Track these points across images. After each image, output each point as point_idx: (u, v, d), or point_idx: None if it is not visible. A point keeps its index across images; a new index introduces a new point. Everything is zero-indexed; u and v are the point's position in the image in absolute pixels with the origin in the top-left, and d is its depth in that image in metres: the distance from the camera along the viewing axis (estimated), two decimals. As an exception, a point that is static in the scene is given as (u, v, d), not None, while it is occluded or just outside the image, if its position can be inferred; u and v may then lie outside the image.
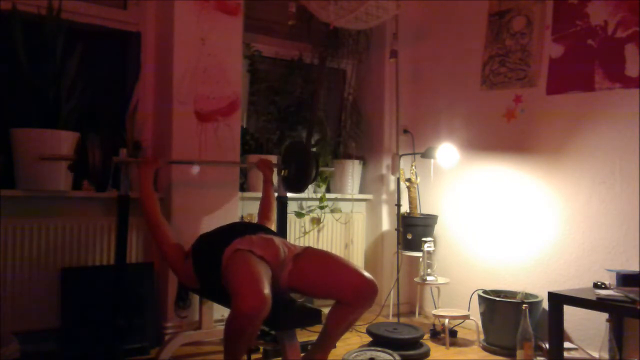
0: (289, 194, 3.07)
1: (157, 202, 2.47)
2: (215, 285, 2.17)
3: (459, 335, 3.18)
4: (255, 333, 2.03)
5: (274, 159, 3.35)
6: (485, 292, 3.07)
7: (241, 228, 2.34)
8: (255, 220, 3.23)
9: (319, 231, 3.56)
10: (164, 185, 2.97)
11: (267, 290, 1.84)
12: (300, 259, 2.23)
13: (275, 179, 2.96)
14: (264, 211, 2.79)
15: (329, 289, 2.16)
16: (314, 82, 3.67)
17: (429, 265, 3.37)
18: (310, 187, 3.56)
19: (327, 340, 2.27)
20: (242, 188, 3.31)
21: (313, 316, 2.18)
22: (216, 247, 2.18)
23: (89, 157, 2.28)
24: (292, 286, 2.22)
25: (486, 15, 3.46)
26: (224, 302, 2.19)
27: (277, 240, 2.26)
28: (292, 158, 2.95)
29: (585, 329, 2.84)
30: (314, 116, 3.63)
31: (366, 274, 2.13)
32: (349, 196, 3.73)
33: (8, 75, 2.62)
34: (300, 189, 2.97)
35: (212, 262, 2.15)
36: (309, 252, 2.30)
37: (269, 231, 2.39)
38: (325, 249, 3.59)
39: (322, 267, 2.21)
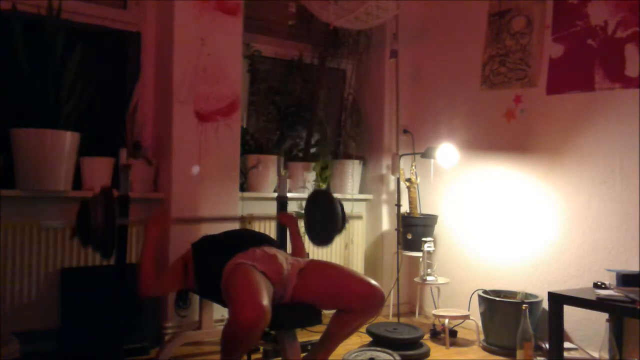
0: (289, 194, 3.07)
1: (155, 264, 2.23)
2: (214, 293, 2.17)
3: (459, 335, 3.18)
4: (252, 344, 1.99)
5: (273, 159, 3.35)
6: (485, 292, 3.07)
7: (245, 239, 2.31)
8: (254, 220, 3.25)
9: (319, 231, 3.55)
10: (164, 185, 2.97)
11: (266, 301, 1.81)
12: (304, 273, 2.22)
13: (277, 178, 2.86)
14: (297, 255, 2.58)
15: (337, 300, 2.16)
16: (314, 82, 3.67)
17: (429, 265, 3.37)
18: (310, 187, 3.57)
19: (330, 343, 2.27)
20: (242, 188, 3.31)
21: (313, 316, 2.18)
22: (218, 260, 2.16)
23: (90, 221, 2.08)
24: (298, 301, 2.19)
25: (486, 15, 3.46)
26: (224, 304, 2.19)
27: (281, 256, 2.23)
28: (315, 208, 2.68)
29: (585, 329, 2.84)
30: (314, 116, 3.63)
31: (373, 282, 2.13)
32: (349, 196, 3.72)
33: (8, 75, 2.62)
34: (327, 241, 2.64)
35: (212, 275, 2.15)
36: (312, 265, 2.29)
37: (274, 243, 2.37)
38: (325, 249, 3.58)
39: (327, 279, 2.20)
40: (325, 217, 2.59)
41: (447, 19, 3.73)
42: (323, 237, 2.64)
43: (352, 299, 2.11)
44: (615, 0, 2.84)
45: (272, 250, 2.24)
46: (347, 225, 2.68)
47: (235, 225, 3.05)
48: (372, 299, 2.10)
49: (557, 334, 2.50)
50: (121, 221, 2.28)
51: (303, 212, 2.77)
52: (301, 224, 2.70)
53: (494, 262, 3.32)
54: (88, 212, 2.10)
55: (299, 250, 2.61)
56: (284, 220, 2.73)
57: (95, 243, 2.14)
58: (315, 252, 3.53)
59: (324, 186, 3.65)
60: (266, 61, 3.62)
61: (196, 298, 2.77)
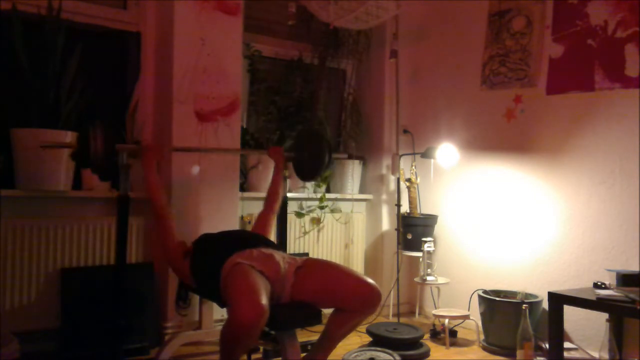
0: (289, 194, 3.08)
1: (164, 192, 2.48)
2: (213, 293, 2.18)
3: (459, 335, 3.18)
4: (251, 343, 2.01)
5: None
6: (485, 292, 3.07)
7: (243, 239, 2.32)
8: (254, 220, 3.25)
9: (319, 231, 3.56)
10: (164, 184, 2.96)
11: (264, 301, 1.82)
12: (302, 272, 2.22)
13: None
14: (270, 202, 2.74)
15: (334, 299, 2.16)
16: (314, 82, 3.67)
17: (429, 265, 3.37)
18: (310, 187, 3.57)
19: (328, 342, 2.27)
20: (242, 188, 3.31)
21: (313, 316, 2.18)
22: (216, 260, 2.17)
23: (90, 145, 2.21)
24: (296, 299, 2.20)
25: (486, 15, 3.46)
26: (222, 304, 2.19)
27: (278, 255, 2.24)
28: (305, 144, 2.88)
29: (585, 329, 2.84)
30: (314, 116, 3.63)
31: (370, 281, 2.13)
32: (349, 196, 3.72)
33: (8, 75, 2.62)
34: (313, 175, 2.90)
35: (211, 274, 2.15)
36: (310, 263, 2.29)
37: (271, 244, 2.38)
38: (325, 249, 3.59)
39: (325, 277, 2.20)
40: (313, 153, 2.80)
41: (447, 18, 3.73)
42: (310, 170, 2.85)
43: (349, 297, 2.11)
44: (615, 0, 2.84)
45: (269, 250, 2.26)
46: (332, 162, 2.92)
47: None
48: (369, 298, 2.11)
49: (557, 334, 2.50)
50: (120, 146, 2.36)
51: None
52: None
53: (494, 262, 3.32)
54: (87, 135, 2.21)
55: (275, 187, 2.76)
56: (272, 154, 2.85)
57: (95, 166, 2.26)
58: (314, 252, 3.53)
59: (323, 186, 3.64)
60: (266, 61, 3.62)
61: (196, 298, 2.77)
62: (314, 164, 2.82)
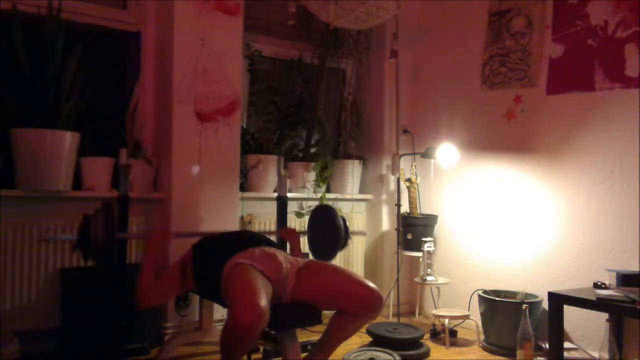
0: (289, 194, 3.08)
1: (154, 284, 2.28)
2: (214, 294, 2.17)
3: (459, 335, 3.18)
4: (251, 344, 2.00)
5: (273, 159, 3.35)
6: (485, 292, 3.07)
7: (244, 239, 2.32)
8: (254, 220, 3.25)
9: (319, 231, 3.55)
10: (164, 185, 2.97)
11: (264, 302, 1.82)
12: (303, 273, 2.22)
13: (277, 178, 2.86)
14: None
15: (335, 302, 2.16)
16: (314, 82, 3.67)
17: (429, 265, 3.37)
18: (310, 187, 3.57)
19: (329, 344, 2.27)
20: (242, 188, 3.31)
21: (313, 316, 2.18)
22: (217, 261, 2.17)
23: (91, 236, 2.10)
24: (297, 300, 2.20)
25: (486, 15, 3.46)
26: (224, 304, 2.19)
27: (280, 255, 2.23)
28: (318, 223, 2.72)
29: (585, 329, 2.84)
30: (314, 116, 3.63)
31: (371, 284, 2.13)
32: (349, 196, 3.72)
33: (8, 75, 2.62)
34: (329, 256, 2.68)
35: (212, 275, 2.15)
36: (311, 265, 2.29)
37: (272, 244, 2.37)
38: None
39: (326, 279, 2.20)
40: (328, 234, 2.64)
41: (447, 19, 3.73)
42: (326, 253, 2.67)
43: (350, 300, 2.11)
44: (615, 0, 2.84)
45: (272, 250, 2.25)
46: (349, 241, 2.71)
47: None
48: (370, 301, 2.10)
49: (557, 334, 2.50)
50: (121, 235, 2.28)
51: (305, 218, 2.75)
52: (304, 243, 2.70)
53: (494, 262, 3.32)
54: (89, 226, 2.13)
55: None
56: (285, 235, 2.71)
57: (95, 257, 2.16)
58: (315, 252, 3.53)
59: (323, 186, 3.64)
60: (266, 61, 3.62)
61: (196, 298, 2.77)
62: (330, 246, 2.66)
